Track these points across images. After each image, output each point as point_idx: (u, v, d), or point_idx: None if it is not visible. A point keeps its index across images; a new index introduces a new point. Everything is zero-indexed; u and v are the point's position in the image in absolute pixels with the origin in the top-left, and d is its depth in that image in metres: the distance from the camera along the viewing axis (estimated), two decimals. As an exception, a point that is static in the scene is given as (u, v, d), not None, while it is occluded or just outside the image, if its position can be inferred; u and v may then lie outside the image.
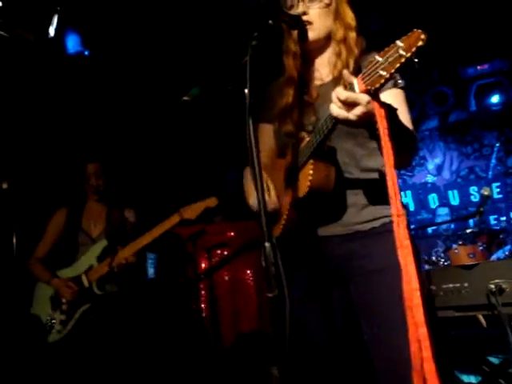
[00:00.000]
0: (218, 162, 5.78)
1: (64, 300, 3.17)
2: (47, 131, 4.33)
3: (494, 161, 6.43)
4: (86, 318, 3.14)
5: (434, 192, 6.76)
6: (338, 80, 1.65)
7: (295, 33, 1.75)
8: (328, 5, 1.75)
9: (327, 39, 1.79)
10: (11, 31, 3.80)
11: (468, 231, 4.10)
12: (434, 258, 4.16)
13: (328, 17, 1.76)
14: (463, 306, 2.62)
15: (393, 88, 1.64)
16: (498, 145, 6.41)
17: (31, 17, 3.89)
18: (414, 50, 1.15)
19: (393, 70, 1.20)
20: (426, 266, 4.04)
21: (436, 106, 6.58)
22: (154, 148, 5.21)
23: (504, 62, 6.18)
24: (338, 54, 1.74)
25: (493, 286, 2.44)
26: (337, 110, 1.35)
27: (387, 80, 1.23)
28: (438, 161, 6.81)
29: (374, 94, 1.29)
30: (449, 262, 3.99)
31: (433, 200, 6.76)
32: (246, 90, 1.39)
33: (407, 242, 1.20)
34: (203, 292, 4.23)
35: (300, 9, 1.71)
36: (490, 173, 6.44)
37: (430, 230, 6.24)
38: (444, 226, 5.81)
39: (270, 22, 1.53)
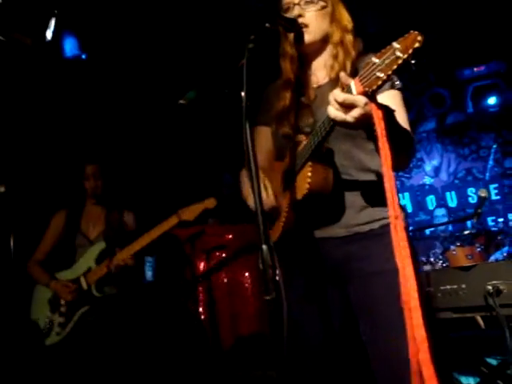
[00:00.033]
0: (214, 164, 5.78)
1: (63, 302, 3.17)
2: (45, 135, 4.32)
3: (491, 162, 6.45)
4: (85, 321, 3.14)
5: (432, 194, 6.78)
6: (335, 82, 1.65)
7: (291, 36, 1.75)
8: (324, 7, 1.75)
9: (324, 42, 1.79)
10: (8, 35, 3.79)
11: (466, 232, 4.12)
12: (431, 260, 4.17)
13: (324, 19, 1.76)
14: (461, 307, 2.61)
15: (390, 89, 1.64)
16: (495, 146, 6.43)
17: (28, 20, 3.89)
18: (410, 51, 1.16)
19: (390, 72, 1.20)
20: (424, 268, 4.04)
21: (433, 107, 6.60)
22: (151, 151, 5.21)
23: (500, 64, 6.20)
24: (335, 57, 1.75)
25: (490, 288, 2.44)
26: (334, 112, 1.35)
27: (384, 82, 1.24)
28: (435, 162, 6.83)
29: (372, 96, 1.29)
30: (447, 263, 4.00)
31: (431, 201, 6.78)
32: (243, 93, 1.39)
33: (405, 244, 1.20)
34: (201, 295, 4.23)
35: (296, 12, 1.72)
36: (488, 174, 6.46)
37: (427, 231, 6.25)
38: (442, 228, 5.82)
39: (267, 25, 1.54)
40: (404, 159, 1.62)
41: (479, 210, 4.12)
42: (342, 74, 1.36)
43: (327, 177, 1.61)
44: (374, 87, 1.25)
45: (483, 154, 6.50)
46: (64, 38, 4.29)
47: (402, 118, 1.60)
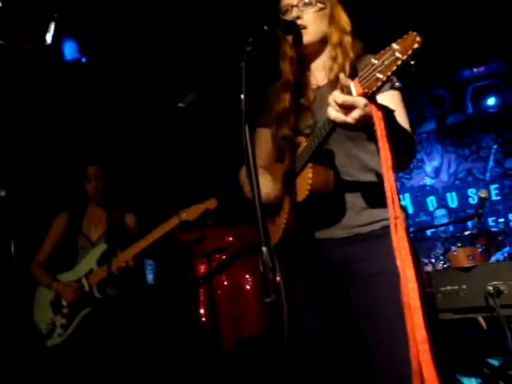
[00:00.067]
0: (216, 166, 5.79)
1: (65, 303, 3.17)
2: (45, 138, 4.33)
3: (491, 163, 6.45)
4: (87, 322, 3.14)
5: (433, 194, 6.78)
6: (334, 83, 1.65)
7: (290, 37, 1.75)
8: (322, 9, 1.75)
9: (322, 43, 1.79)
10: (8, 39, 3.80)
11: (467, 233, 4.12)
12: (432, 260, 4.17)
13: (323, 21, 1.76)
14: (462, 308, 2.61)
15: (389, 90, 1.64)
16: (495, 147, 6.43)
17: (28, 24, 3.90)
18: (410, 52, 1.16)
19: (389, 73, 1.20)
20: (425, 268, 4.04)
21: (433, 108, 6.59)
22: (152, 152, 5.22)
23: (500, 64, 6.20)
24: (334, 58, 1.75)
25: (491, 288, 2.44)
26: (334, 113, 1.35)
27: (384, 83, 1.24)
28: (435, 163, 6.82)
29: (372, 97, 1.29)
30: (448, 263, 4.00)
31: (431, 202, 6.77)
32: (242, 96, 1.39)
33: (405, 245, 1.20)
34: (202, 297, 4.23)
35: (294, 13, 1.72)
36: (488, 175, 6.46)
37: (428, 232, 6.25)
38: (442, 229, 5.82)
39: (265, 27, 1.54)
40: (404, 159, 1.62)
41: (480, 211, 4.11)
42: (342, 76, 1.36)
43: (328, 178, 1.61)
44: (374, 88, 1.25)
45: (483, 155, 6.50)
46: (64, 41, 4.30)
47: (401, 118, 1.61)
